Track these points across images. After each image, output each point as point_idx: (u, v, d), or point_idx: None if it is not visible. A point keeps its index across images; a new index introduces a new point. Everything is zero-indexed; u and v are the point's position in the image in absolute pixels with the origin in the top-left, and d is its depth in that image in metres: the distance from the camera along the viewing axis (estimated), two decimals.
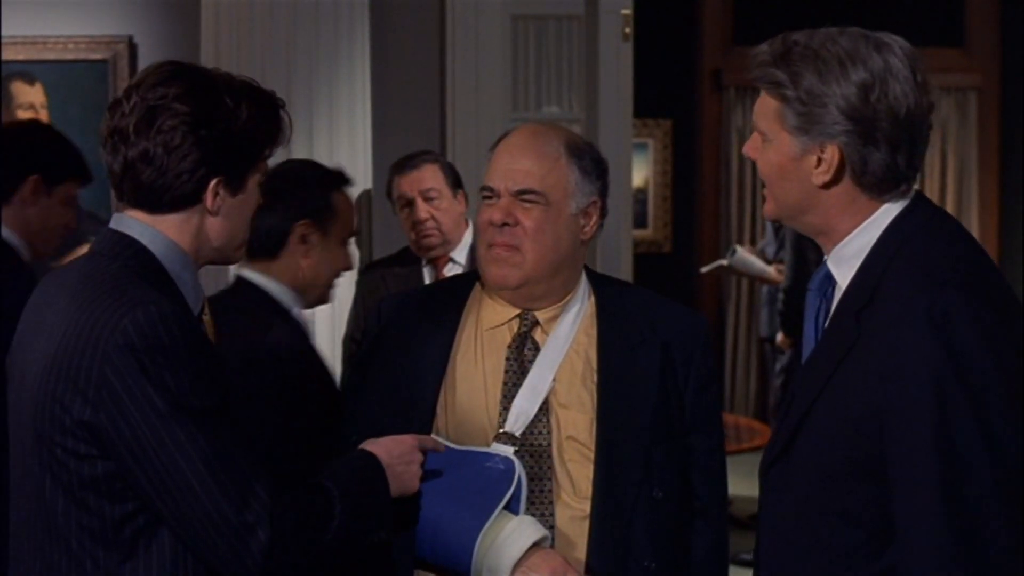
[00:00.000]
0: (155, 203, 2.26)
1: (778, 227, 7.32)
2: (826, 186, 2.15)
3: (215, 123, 2.24)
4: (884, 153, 2.12)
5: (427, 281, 4.70)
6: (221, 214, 2.29)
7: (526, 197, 2.67)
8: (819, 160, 2.14)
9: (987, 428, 1.97)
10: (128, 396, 2.12)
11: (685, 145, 9.18)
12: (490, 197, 2.69)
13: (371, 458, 2.40)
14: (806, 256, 6.64)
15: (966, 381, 1.97)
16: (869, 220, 2.16)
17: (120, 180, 2.28)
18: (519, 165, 2.68)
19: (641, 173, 9.06)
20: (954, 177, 9.27)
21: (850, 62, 2.11)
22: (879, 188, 2.15)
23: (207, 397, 2.16)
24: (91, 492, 2.17)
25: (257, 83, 2.35)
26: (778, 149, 2.18)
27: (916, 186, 2.22)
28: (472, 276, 2.82)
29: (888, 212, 2.16)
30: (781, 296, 6.84)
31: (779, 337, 6.96)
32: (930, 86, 2.15)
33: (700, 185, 9.23)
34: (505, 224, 2.66)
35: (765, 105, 2.19)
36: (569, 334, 2.70)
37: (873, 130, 2.11)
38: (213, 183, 2.26)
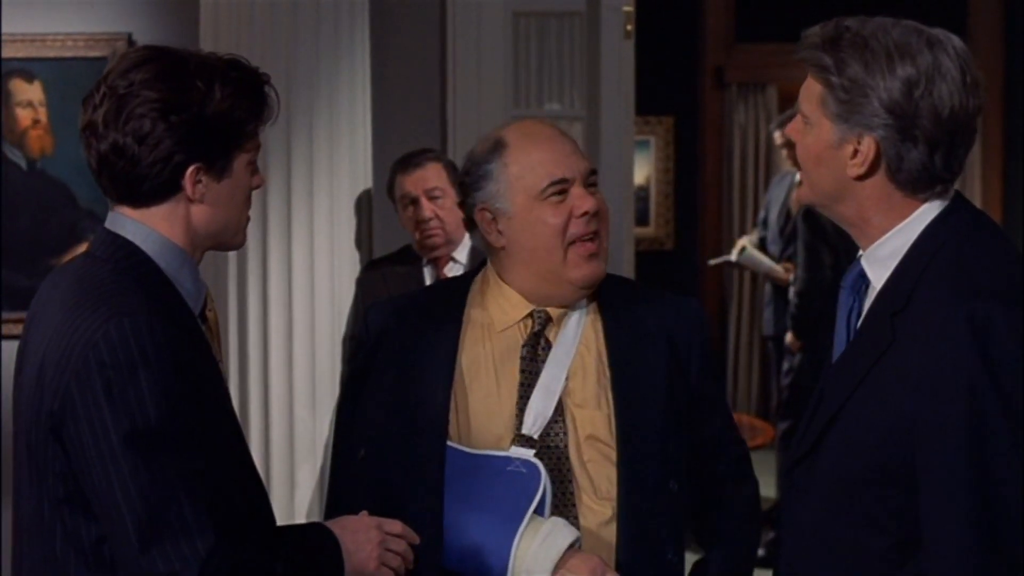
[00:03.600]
0: (135, 196, 2.19)
1: (783, 225, 7.29)
2: (860, 178, 2.12)
3: (187, 107, 2.15)
4: (921, 152, 2.08)
5: (428, 281, 4.68)
6: (207, 201, 2.21)
7: (593, 179, 2.63)
8: (855, 151, 2.10)
9: (1022, 442, 1.93)
10: (86, 416, 2.05)
11: (687, 142, 9.16)
12: (563, 191, 2.60)
13: (324, 529, 2.28)
14: (820, 258, 6.61)
15: (1003, 394, 1.93)
16: (906, 221, 2.12)
17: (98, 175, 2.21)
18: (572, 150, 2.63)
19: (643, 170, 9.03)
20: None
21: (898, 55, 2.07)
22: (913, 187, 2.11)
23: (173, 421, 2.05)
24: (67, 508, 2.11)
25: (242, 59, 2.25)
26: (817, 134, 2.14)
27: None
28: (467, 277, 2.77)
29: (926, 214, 2.11)
30: (794, 299, 6.81)
31: (789, 338, 6.93)
32: (980, 88, 2.11)
33: (702, 182, 9.21)
34: (596, 213, 2.61)
35: (810, 88, 2.15)
36: (577, 330, 2.66)
37: (913, 127, 2.07)
38: (191, 170, 2.18)
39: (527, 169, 2.61)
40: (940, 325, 1.98)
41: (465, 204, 2.70)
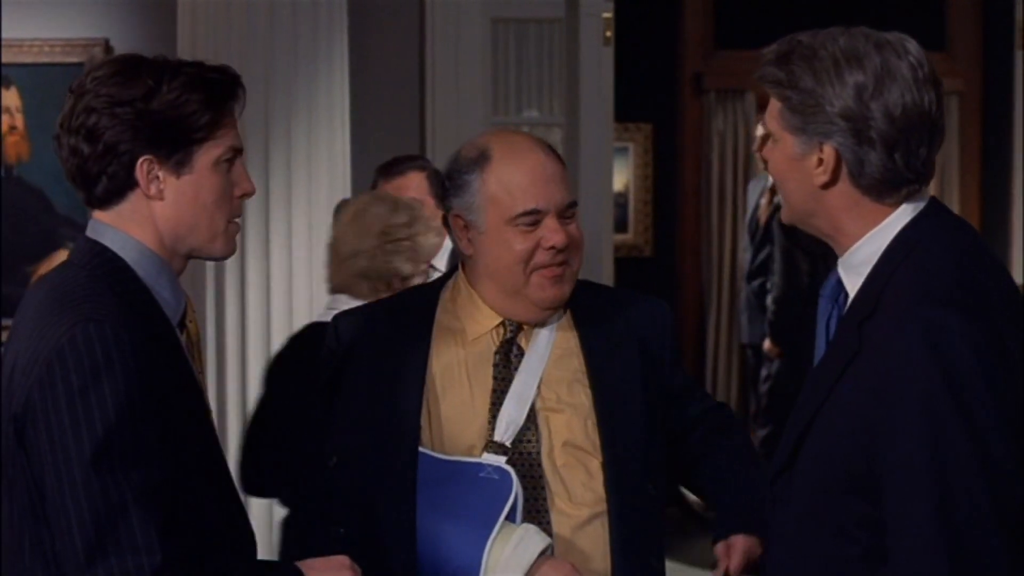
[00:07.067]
0: (94, 196, 2.17)
1: (753, 231, 7.30)
2: (825, 187, 2.13)
3: (131, 101, 2.13)
4: (880, 153, 2.09)
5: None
6: (167, 199, 2.17)
7: (572, 211, 2.62)
8: (819, 160, 2.12)
9: (983, 450, 1.93)
10: (45, 421, 2.00)
11: (666, 149, 9.15)
12: (535, 222, 2.58)
13: (294, 569, 2.20)
14: (797, 264, 6.62)
15: (960, 402, 1.93)
16: (878, 227, 2.12)
17: (68, 179, 2.20)
18: (557, 179, 2.61)
19: (621, 177, 9.03)
20: (935, 182, 9.25)
21: (845, 62, 2.09)
22: (878, 190, 2.11)
23: (133, 431, 2.00)
24: (32, 517, 2.06)
25: (205, 63, 2.23)
26: (782, 150, 2.17)
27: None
28: (437, 283, 2.76)
29: (898, 219, 2.12)
30: (771, 305, 6.83)
31: (767, 344, 6.95)
32: (938, 86, 2.12)
33: (681, 189, 9.20)
34: (566, 247, 2.60)
35: (772, 106, 2.18)
36: (550, 338, 2.66)
37: (867, 130, 2.08)
38: (141, 161, 2.14)
39: (504, 191, 2.59)
40: (897, 332, 1.99)
41: (443, 205, 2.69)
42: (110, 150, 2.14)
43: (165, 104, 2.15)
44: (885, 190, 2.12)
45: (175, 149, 2.17)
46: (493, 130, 2.87)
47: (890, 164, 2.10)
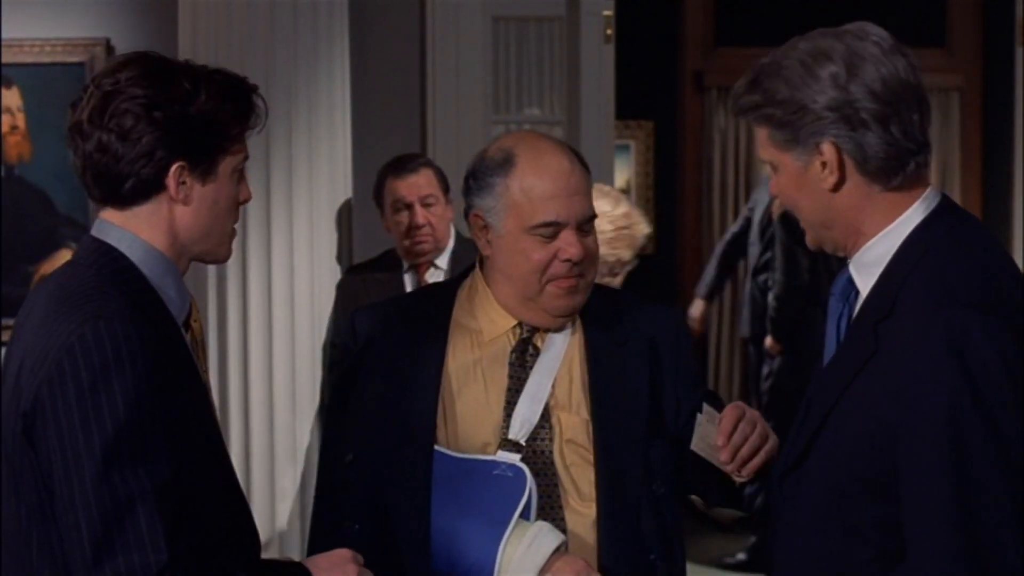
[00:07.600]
0: (118, 195, 2.18)
1: (764, 227, 7.30)
2: (836, 188, 2.13)
3: (170, 104, 2.15)
4: (877, 131, 2.10)
5: (409, 287, 4.68)
6: (190, 204, 2.19)
7: (590, 225, 2.64)
8: (823, 164, 2.12)
9: (1004, 453, 1.92)
10: (54, 418, 2.02)
11: (667, 147, 9.15)
12: (554, 234, 2.59)
13: (300, 568, 2.20)
14: (797, 261, 6.62)
15: (983, 405, 1.93)
16: (892, 226, 2.12)
17: (82, 175, 2.20)
18: (581, 191, 2.62)
19: (623, 175, 9.03)
20: (935, 179, 9.25)
21: (812, 59, 2.11)
22: (886, 172, 2.11)
23: (142, 429, 2.02)
24: (40, 516, 2.07)
25: (229, 71, 2.26)
26: (786, 172, 2.17)
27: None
28: (454, 283, 2.78)
29: (911, 218, 2.12)
30: (772, 302, 6.83)
31: (768, 341, 6.95)
32: (906, 55, 2.13)
33: (682, 186, 9.20)
34: (582, 260, 2.61)
35: (760, 136, 2.18)
36: (565, 338, 2.68)
37: (856, 113, 2.09)
38: (175, 167, 2.17)
39: (526, 199, 2.60)
40: (919, 334, 1.98)
41: (465, 201, 2.70)
42: (146, 154, 2.15)
43: (202, 112, 2.17)
44: (892, 169, 2.11)
45: (205, 157, 2.19)
46: (521, 133, 2.87)
47: (890, 139, 2.10)
